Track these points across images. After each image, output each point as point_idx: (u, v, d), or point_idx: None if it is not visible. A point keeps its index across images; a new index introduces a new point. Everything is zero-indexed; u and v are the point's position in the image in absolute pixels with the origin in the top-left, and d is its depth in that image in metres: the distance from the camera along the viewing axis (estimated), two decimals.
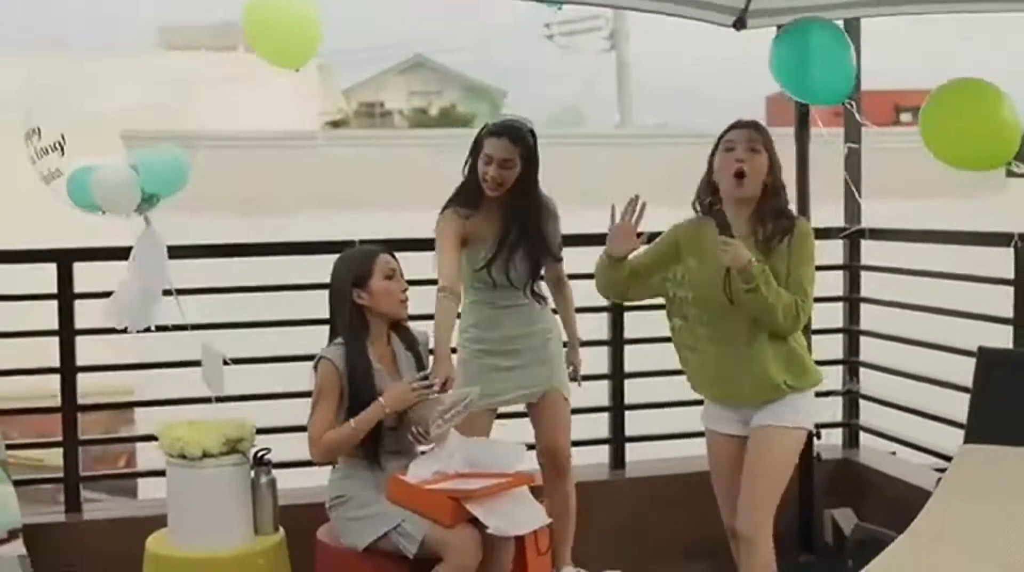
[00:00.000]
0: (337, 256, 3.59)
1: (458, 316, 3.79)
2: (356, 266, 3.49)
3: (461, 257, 3.73)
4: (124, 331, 3.80)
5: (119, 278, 3.79)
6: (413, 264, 3.73)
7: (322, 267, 4.30)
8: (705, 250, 3.36)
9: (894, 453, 4.79)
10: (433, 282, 3.67)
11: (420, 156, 11.09)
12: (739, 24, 4.13)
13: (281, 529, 3.69)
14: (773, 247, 3.32)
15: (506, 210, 3.76)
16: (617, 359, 4.60)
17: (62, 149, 3.56)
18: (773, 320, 3.28)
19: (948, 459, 3.82)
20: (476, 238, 3.75)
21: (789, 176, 4.36)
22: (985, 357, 3.64)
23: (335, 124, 21.89)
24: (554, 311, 3.95)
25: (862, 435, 4.92)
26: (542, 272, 3.87)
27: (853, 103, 4.39)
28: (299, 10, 3.66)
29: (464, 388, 3.52)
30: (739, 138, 3.36)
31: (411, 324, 3.62)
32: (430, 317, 3.65)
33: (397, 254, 3.58)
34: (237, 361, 3.89)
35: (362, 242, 4.22)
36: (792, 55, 4.01)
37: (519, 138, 3.70)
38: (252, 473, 3.65)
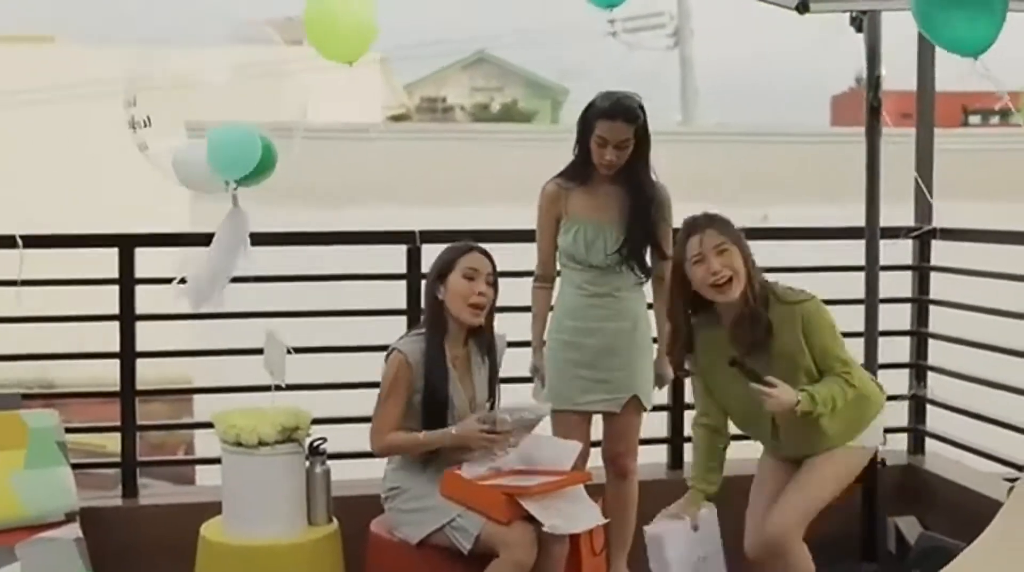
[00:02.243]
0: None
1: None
2: (444, 259, 3.44)
3: (557, 235, 3.73)
4: (191, 316, 3.77)
5: (197, 257, 3.73)
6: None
7: (381, 258, 4.30)
8: (726, 376, 3.33)
9: (956, 462, 4.67)
10: (505, 274, 3.64)
11: (481, 151, 11.10)
12: (802, 7, 4.01)
13: (335, 520, 3.67)
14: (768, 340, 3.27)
15: (621, 188, 3.70)
16: None
17: (148, 123, 3.55)
18: (838, 415, 3.28)
19: (1020, 468, 3.72)
20: (578, 214, 3.70)
21: (859, 175, 4.31)
22: None
23: (397, 118, 21.97)
24: (650, 306, 3.85)
25: (928, 441, 4.80)
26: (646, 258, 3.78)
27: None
28: (357, 8, 3.65)
29: (533, 407, 3.47)
30: (705, 246, 3.23)
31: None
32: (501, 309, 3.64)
33: None
34: (299, 350, 3.88)
35: (421, 233, 4.23)
36: None
37: (633, 118, 3.61)
38: (307, 462, 3.63)
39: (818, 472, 3.33)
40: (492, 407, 3.45)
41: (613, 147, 3.60)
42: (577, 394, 3.70)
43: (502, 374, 3.60)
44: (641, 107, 3.65)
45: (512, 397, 3.66)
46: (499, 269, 3.53)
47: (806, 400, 3.20)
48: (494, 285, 3.44)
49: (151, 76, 3.61)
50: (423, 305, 3.51)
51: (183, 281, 3.66)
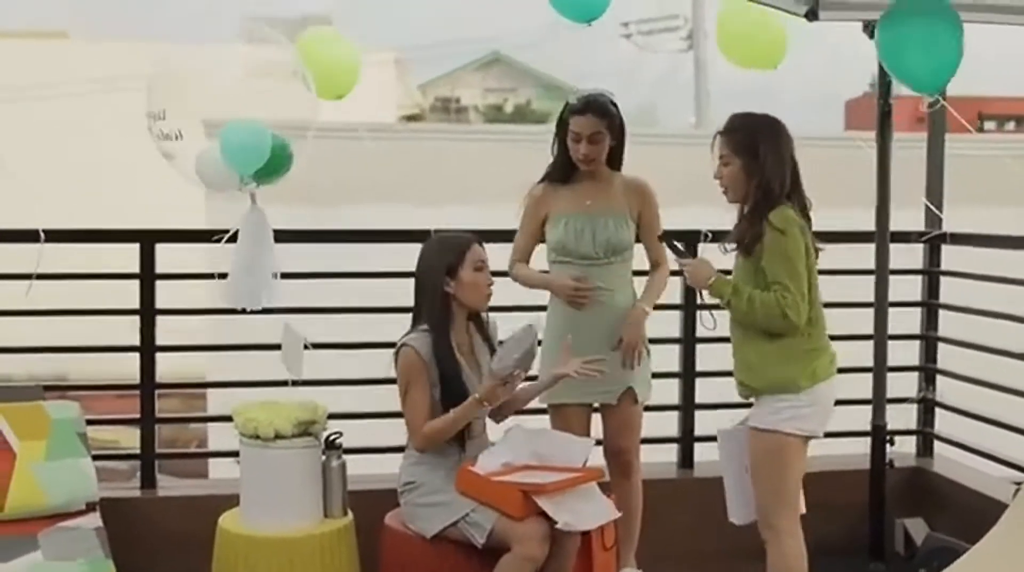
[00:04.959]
0: (424, 243, 3.60)
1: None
2: (449, 254, 3.49)
3: (537, 236, 3.82)
4: (242, 312, 3.81)
5: (230, 259, 3.79)
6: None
7: (390, 257, 4.36)
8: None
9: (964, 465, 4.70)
10: (504, 274, 3.71)
11: (494, 151, 11.14)
12: (811, 15, 4.04)
13: (350, 512, 3.73)
14: (750, 251, 3.35)
15: (605, 183, 3.79)
16: (689, 357, 4.58)
17: (179, 137, 3.61)
18: (759, 327, 3.32)
19: None
20: (566, 210, 3.76)
21: (870, 180, 4.35)
22: None
23: (411, 118, 22.03)
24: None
25: (936, 444, 4.84)
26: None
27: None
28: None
29: (519, 336, 3.43)
30: (715, 154, 3.43)
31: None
32: (504, 309, 3.76)
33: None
34: (317, 346, 3.93)
35: (436, 231, 4.27)
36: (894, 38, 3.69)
37: (604, 111, 3.72)
38: (323, 456, 3.68)
39: (751, 462, 3.41)
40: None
41: (587, 141, 3.71)
42: (574, 387, 3.74)
43: None
44: (613, 103, 3.75)
45: None
46: None
47: (721, 281, 3.35)
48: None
49: (170, 77, 3.65)
50: (420, 302, 3.53)
51: (223, 276, 3.72)
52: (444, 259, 3.49)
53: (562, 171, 3.80)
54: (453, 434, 3.43)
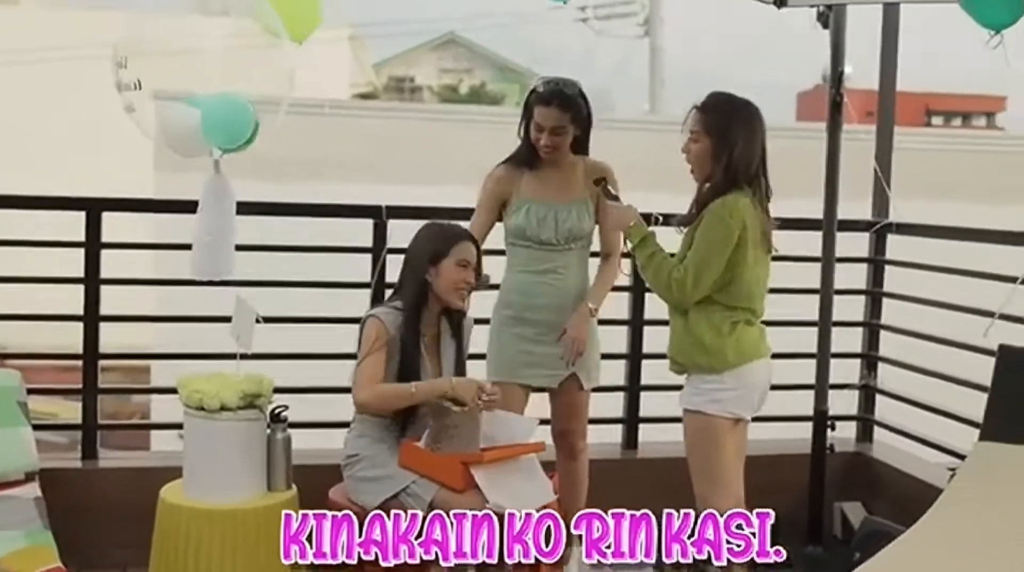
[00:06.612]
0: (422, 226, 3.60)
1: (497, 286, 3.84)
2: (438, 243, 3.50)
3: (495, 217, 3.79)
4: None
5: (193, 229, 3.66)
6: None
7: (338, 232, 4.33)
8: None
9: (902, 451, 4.78)
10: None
11: (448, 131, 11.13)
12: (780, 2, 4.10)
13: (294, 486, 3.71)
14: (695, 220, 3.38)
15: (566, 172, 3.75)
16: (636, 339, 4.61)
17: (138, 86, 3.49)
18: (649, 284, 3.45)
19: (963, 458, 3.83)
20: (528, 195, 3.73)
21: (820, 171, 4.40)
22: (1006, 356, 3.64)
23: (364, 97, 21.89)
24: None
25: (876, 429, 4.92)
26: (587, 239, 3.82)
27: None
28: None
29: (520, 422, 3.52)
30: (686, 127, 3.41)
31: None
32: None
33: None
34: (268, 320, 3.89)
35: (388, 209, 4.27)
36: None
37: (568, 104, 3.66)
38: (268, 429, 3.67)
39: (686, 451, 3.44)
40: None
41: (549, 133, 3.66)
42: (519, 368, 3.75)
43: (469, 351, 3.70)
44: (581, 95, 3.70)
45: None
46: None
47: (639, 228, 3.41)
48: (477, 271, 3.54)
49: (142, 41, 3.58)
50: (401, 281, 3.56)
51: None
52: (432, 246, 3.49)
53: (527, 156, 3.75)
54: (402, 406, 3.44)
